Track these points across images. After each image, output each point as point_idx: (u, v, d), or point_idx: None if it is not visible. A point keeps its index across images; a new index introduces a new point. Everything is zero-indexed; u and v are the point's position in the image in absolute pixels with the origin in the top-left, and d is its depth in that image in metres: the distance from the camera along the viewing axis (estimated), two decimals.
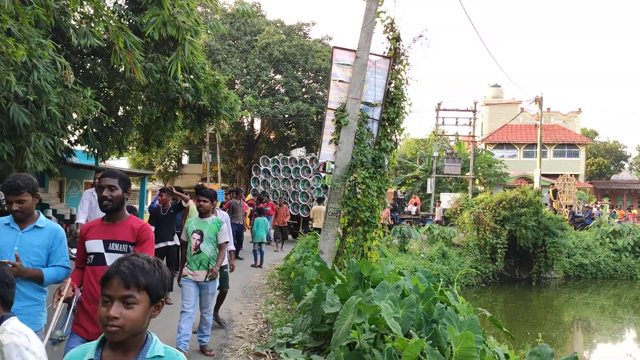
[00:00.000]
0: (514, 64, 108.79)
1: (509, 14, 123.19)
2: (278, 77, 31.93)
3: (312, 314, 5.24)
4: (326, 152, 8.69)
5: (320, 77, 32.52)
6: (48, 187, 18.77)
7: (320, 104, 31.46)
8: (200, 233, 5.39)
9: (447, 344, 3.88)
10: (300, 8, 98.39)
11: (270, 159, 20.38)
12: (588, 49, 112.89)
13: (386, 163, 8.68)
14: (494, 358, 3.94)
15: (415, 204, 28.12)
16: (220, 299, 6.95)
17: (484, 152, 34.33)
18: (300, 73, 31.96)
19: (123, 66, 9.77)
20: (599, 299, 19.47)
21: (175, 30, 7.61)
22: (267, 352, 5.67)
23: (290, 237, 18.92)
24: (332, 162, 8.86)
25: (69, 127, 13.33)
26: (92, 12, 9.64)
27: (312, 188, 19.56)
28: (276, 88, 31.86)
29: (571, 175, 28.89)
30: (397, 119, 8.80)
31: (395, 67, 8.79)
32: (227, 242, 5.56)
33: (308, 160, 19.94)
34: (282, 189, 19.60)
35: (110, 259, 3.26)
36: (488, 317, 4.68)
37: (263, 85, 31.18)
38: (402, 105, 8.81)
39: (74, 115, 11.56)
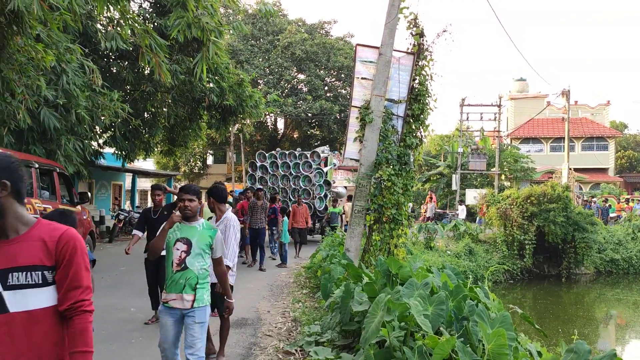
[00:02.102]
0: (540, 56, 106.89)
1: (532, 4, 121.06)
2: (301, 76, 32.00)
3: (341, 312, 5.24)
4: (351, 149, 8.68)
5: (342, 75, 32.47)
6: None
7: (343, 102, 31.43)
8: (188, 242, 3.94)
9: (479, 342, 3.83)
10: (321, 6, 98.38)
11: (267, 154, 18.68)
12: (615, 39, 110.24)
13: (412, 160, 8.64)
14: (527, 356, 3.89)
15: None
16: (224, 332, 5.24)
17: (509, 147, 33.80)
18: (322, 71, 31.98)
19: (149, 68, 9.96)
20: (632, 295, 19.03)
21: (199, 32, 7.68)
22: (295, 350, 5.69)
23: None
24: (356, 160, 8.85)
25: (97, 130, 13.65)
26: (118, 16, 9.83)
27: (314, 185, 18.01)
28: (299, 87, 31.94)
29: (570, 169, 28.11)
30: (422, 115, 8.74)
31: (419, 63, 8.73)
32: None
33: (309, 155, 18.48)
34: (282, 186, 18.02)
35: (13, 301, 2.00)
36: (520, 314, 4.62)
37: (286, 85, 31.29)
38: (427, 101, 8.75)
39: (102, 118, 11.82)
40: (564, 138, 30.14)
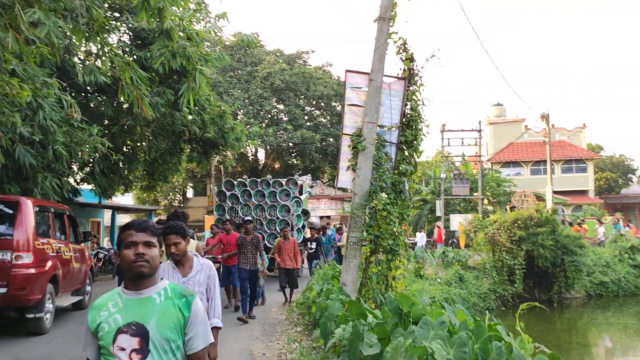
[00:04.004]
0: (514, 81, 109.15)
1: (502, 30, 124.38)
2: (280, 106, 31.92)
3: (349, 356, 4.84)
4: (344, 179, 8.38)
5: (322, 104, 32.49)
6: None
7: (324, 131, 31.32)
8: (140, 332, 2.13)
9: None
10: (297, 36, 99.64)
11: (235, 183, 16.96)
12: (585, 63, 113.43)
13: (407, 188, 8.36)
14: None
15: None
16: None
17: (491, 171, 33.96)
18: (302, 101, 31.96)
19: (129, 102, 9.58)
20: (622, 318, 18.90)
21: (185, 61, 7.39)
22: None
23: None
24: (350, 190, 8.56)
25: (74, 166, 13.15)
26: (95, 49, 9.50)
27: (292, 215, 16.46)
28: (279, 117, 31.83)
29: (527, 191, 28.04)
30: (415, 142, 8.53)
31: (410, 88, 8.56)
32: (211, 343, 2.37)
33: (284, 183, 16.95)
34: (255, 217, 16.08)
35: None
36: (548, 354, 4.27)
37: (266, 115, 31.14)
38: (420, 127, 8.55)
39: (80, 154, 11.37)
40: (543, 161, 30.38)
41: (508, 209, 24.42)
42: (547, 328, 17.14)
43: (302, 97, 31.70)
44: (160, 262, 2.24)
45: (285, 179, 17.53)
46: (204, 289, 3.73)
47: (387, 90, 8.29)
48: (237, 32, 31.26)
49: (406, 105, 8.48)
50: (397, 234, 8.13)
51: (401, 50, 8.49)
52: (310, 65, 33.87)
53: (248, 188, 16.86)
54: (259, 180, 17.30)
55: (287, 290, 11.68)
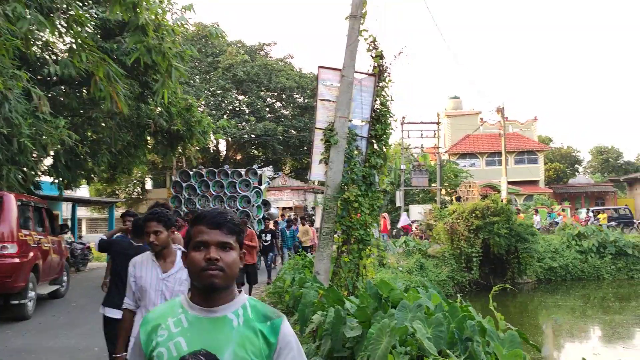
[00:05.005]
0: (469, 75, 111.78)
1: (455, 26, 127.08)
2: (242, 97, 31.84)
3: (332, 338, 5.15)
4: (317, 171, 8.66)
5: (284, 96, 32.59)
6: None
7: (286, 123, 31.49)
8: None
9: None
10: (258, 28, 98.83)
11: (191, 173, 16.33)
12: (536, 57, 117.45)
13: (377, 180, 8.73)
14: None
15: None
16: None
17: (448, 162, 34.98)
18: (264, 93, 31.98)
19: (101, 97, 9.51)
20: (570, 301, 20.04)
21: (160, 57, 7.48)
22: None
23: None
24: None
25: (35, 157, 12.89)
26: (61, 39, 9.39)
27: (253, 205, 16.18)
28: (241, 109, 31.76)
29: (473, 182, 29.28)
30: (384, 135, 8.89)
31: (380, 84, 8.90)
32: None
33: (244, 173, 16.61)
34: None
35: None
36: (515, 330, 4.73)
37: (228, 107, 31.01)
38: (389, 121, 8.92)
39: (46, 147, 11.23)
40: (498, 153, 31.52)
41: (454, 199, 25.33)
42: (502, 311, 17.90)
43: (264, 89, 31.73)
44: (240, 267, 1.71)
45: (245, 169, 17.16)
46: (185, 288, 3.25)
47: (358, 86, 8.61)
48: (197, 22, 30.92)
49: (376, 100, 8.83)
50: (367, 224, 8.50)
51: (371, 48, 8.81)
52: (271, 57, 33.89)
53: (205, 179, 16.39)
54: (216, 170, 16.83)
55: (245, 287, 10.69)
